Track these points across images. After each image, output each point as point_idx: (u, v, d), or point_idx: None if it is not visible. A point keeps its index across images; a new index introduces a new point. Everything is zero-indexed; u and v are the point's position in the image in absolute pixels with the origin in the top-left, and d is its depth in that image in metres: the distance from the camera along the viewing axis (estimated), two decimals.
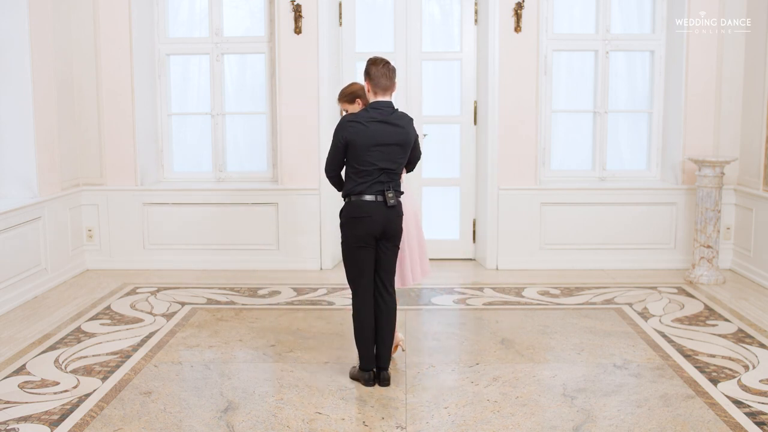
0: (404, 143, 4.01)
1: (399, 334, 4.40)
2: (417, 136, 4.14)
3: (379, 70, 3.99)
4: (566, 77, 6.91)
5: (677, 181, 6.62)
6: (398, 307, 4.29)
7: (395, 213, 4.01)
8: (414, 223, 4.34)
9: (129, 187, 6.65)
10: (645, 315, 5.31)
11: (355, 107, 4.25)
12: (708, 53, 6.43)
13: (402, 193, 4.11)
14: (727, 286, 6.09)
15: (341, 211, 4.08)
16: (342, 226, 4.07)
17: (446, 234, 6.99)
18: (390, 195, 3.96)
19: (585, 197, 6.63)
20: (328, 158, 4.09)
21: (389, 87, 4.02)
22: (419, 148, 4.22)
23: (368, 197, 3.96)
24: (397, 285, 4.28)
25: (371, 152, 3.94)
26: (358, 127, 3.95)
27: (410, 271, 4.32)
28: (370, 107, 4.01)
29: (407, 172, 4.32)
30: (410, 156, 4.17)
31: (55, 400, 3.88)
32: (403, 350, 4.52)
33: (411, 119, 4.09)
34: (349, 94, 4.28)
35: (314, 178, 6.60)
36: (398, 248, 4.12)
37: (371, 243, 4.01)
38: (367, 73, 4.02)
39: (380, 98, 4.02)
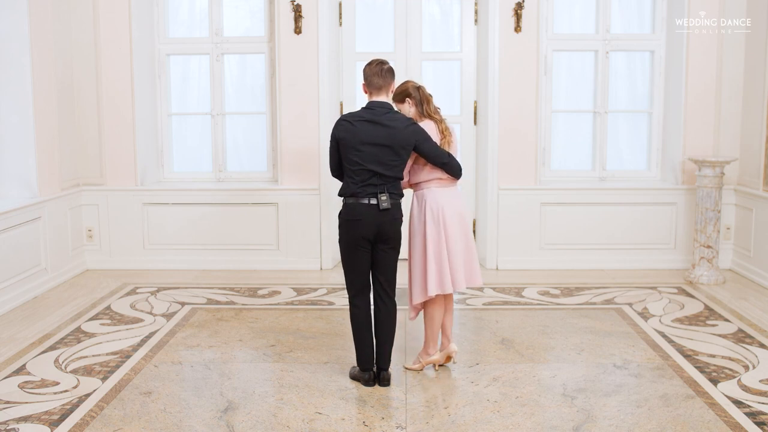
0: (395, 145, 3.93)
1: (453, 345, 4.29)
2: (426, 138, 4.01)
3: (372, 69, 4.01)
4: (566, 77, 6.91)
5: (677, 181, 6.62)
6: (399, 306, 4.28)
7: (389, 216, 3.98)
8: (459, 227, 4.15)
9: (129, 187, 6.65)
10: (645, 315, 5.31)
11: (406, 106, 4.19)
12: (708, 53, 6.43)
13: (402, 195, 4.08)
14: (727, 286, 6.09)
15: (340, 212, 4.09)
16: (339, 226, 4.09)
17: None
18: (383, 198, 3.94)
19: (585, 197, 6.63)
20: (329, 157, 4.14)
21: (383, 87, 4.02)
22: (435, 150, 4.03)
23: (362, 200, 3.95)
24: (436, 292, 4.09)
25: (358, 152, 3.93)
26: (347, 126, 3.97)
27: (450, 277, 4.10)
28: (364, 107, 4.03)
29: (456, 178, 4.17)
30: (432, 159, 4.04)
31: (55, 400, 3.88)
32: (453, 362, 4.37)
33: (410, 121, 4.04)
34: (398, 93, 4.21)
35: (314, 178, 6.60)
36: (397, 251, 4.10)
37: (365, 245, 4.00)
38: (363, 74, 4.06)
39: (375, 98, 4.04)
